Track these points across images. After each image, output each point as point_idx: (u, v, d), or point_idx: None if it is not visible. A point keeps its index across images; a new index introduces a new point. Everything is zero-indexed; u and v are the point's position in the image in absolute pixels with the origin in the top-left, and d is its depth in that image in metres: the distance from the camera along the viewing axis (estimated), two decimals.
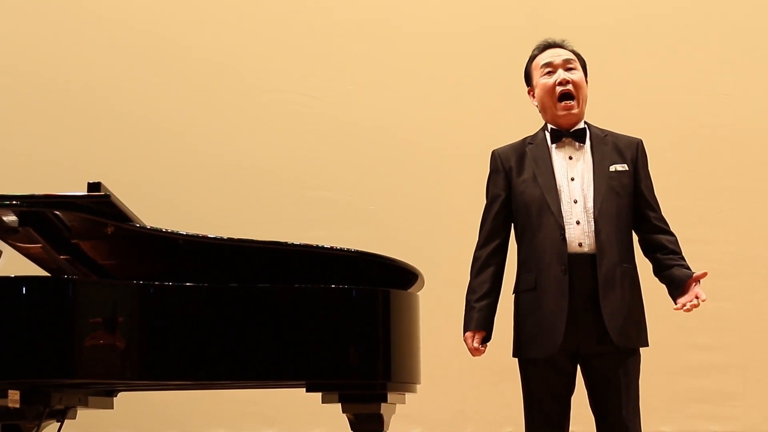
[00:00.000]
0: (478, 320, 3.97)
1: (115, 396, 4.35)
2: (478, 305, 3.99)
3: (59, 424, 4.11)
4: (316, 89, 6.31)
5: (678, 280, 3.91)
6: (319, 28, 6.33)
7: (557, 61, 4.04)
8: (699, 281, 3.86)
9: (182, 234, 3.75)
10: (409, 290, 3.94)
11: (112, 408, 4.35)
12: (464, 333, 4.00)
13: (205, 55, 6.31)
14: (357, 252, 3.85)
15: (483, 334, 3.98)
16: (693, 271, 3.88)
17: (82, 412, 4.22)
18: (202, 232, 3.80)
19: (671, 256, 3.97)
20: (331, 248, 3.85)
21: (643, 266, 3.99)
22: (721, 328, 6.01)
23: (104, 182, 3.58)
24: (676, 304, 3.87)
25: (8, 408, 3.51)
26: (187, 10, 6.35)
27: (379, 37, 6.32)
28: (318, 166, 6.25)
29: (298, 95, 6.31)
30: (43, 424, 4.00)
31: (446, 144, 6.24)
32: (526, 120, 6.26)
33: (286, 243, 3.85)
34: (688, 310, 3.84)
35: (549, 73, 4.03)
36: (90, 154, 6.17)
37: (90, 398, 4.14)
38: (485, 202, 4.13)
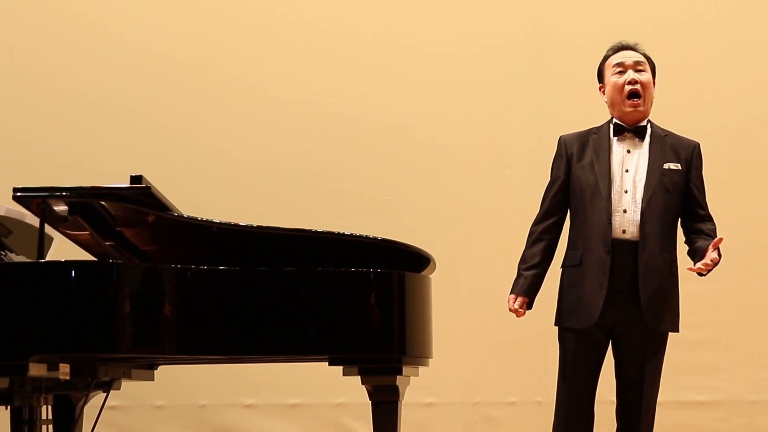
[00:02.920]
0: (522, 286, 4.00)
1: (156, 369, 4.36)
2: (525, 273, 4.02)
3: (105, 394, 4.13)
4: (337, 91, 6.30)
5: (699, 249, 3.91)
6: (340, 37, 6.31)
7: (628, 62, 4.01)
8: (717, 247, 3.83)
9: (216, 222, 3.76)
10: (422, 273, 3.93)
11: (153, 380, 4.37)
12: (509, 295, 4.03)
13: (238, 63, 6.30)
14: (375, 238, 3.84)
15: (525, 299, 4.01)
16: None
17: (126, 384, 4.23)
18: (233, 221, 3.81)
19: (702, 236, 3.96)
20: (351, 235, 3.85)
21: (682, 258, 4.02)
22: (706, 308, 5.99)
23: (149, 177, 3.60)
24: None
25: (59, 380, 3.52)
26: (221, 22, 6.34)
27: (395, 46, 6.30)
28: (339, 160, 6.24)
29: (321, 96, 6.29)
30: (90, 395, 4.02)
31: (454, 141, 6.23)
32: (528, 119, 6.27)
33: (310, 230, 3.85)
34: (701, 271, 3.84)
35: (620, 72, 4.00)
36: (130, 155, 6.16)
37: (133, 371, 4.16)
38: (548, 180, 4.11)
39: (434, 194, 6.21)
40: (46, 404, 3.72)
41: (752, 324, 6.08)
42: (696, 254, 3.93)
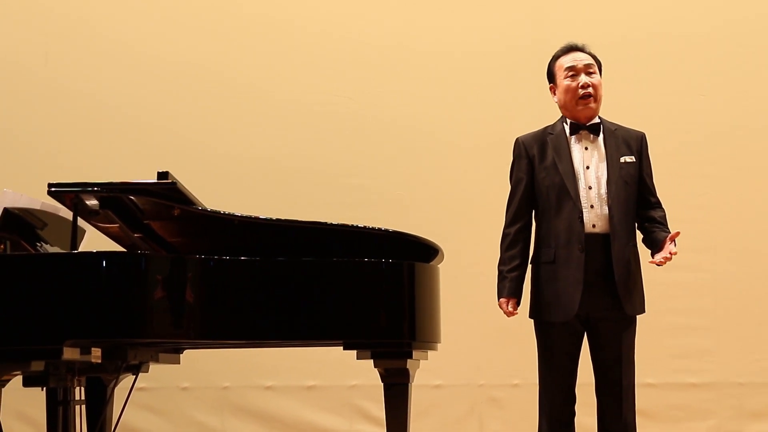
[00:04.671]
0: (510, 288, 3.97)
1: (181, 353, 4.37)
2: (510, 275, 3.98)
3: (134, 376, 4.14)
4: (350, 92, 6.30)
5: (657, 241, 3.91)
6: (354, 42, 6.32)
7: (580, 65, 3.98)
8: (674, 240, 3.85)
9: (237, 215, 3.76)
10: (431, 263, 3.93)
11: (179, 363, 4.38)
12: (499, 299, 4.00)
13: (255, 69, 6.31)
14: (386, 230, 3.85)
15: (515, 300, 3.98)
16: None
17: (153, 366, 4.25)
18: (254, 214, 3.82)
19: (657, 225, 3.96)
20: (364, 227, 3.85)
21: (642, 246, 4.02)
22: (697, 295, 5.99)
23: (175, 174, 3.61)
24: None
25: (92, 363, 3.54)
26: (243, 33, 6.35)
27: (406, 50, 6.30)
28: (352, 157, 6.25)
29: (335, 97, 6.30)
30: (121, 377, 4.04)
31: (460, 139, 6.23)
32: (530, 119, 6.25)
33: (325, 223, 3.86)
34: (661, 263, 3.84)
35: (572, 76, 3.98)
36: (157, 154, 6.18)
37: (160, 355, 4.17)
38: (510, 184, 4.06)
39: (442, 189, 6.21)
40: (80, 386, 3.75)
41: (741, 309, 6.07)
42: (654, 245, 3.93)
